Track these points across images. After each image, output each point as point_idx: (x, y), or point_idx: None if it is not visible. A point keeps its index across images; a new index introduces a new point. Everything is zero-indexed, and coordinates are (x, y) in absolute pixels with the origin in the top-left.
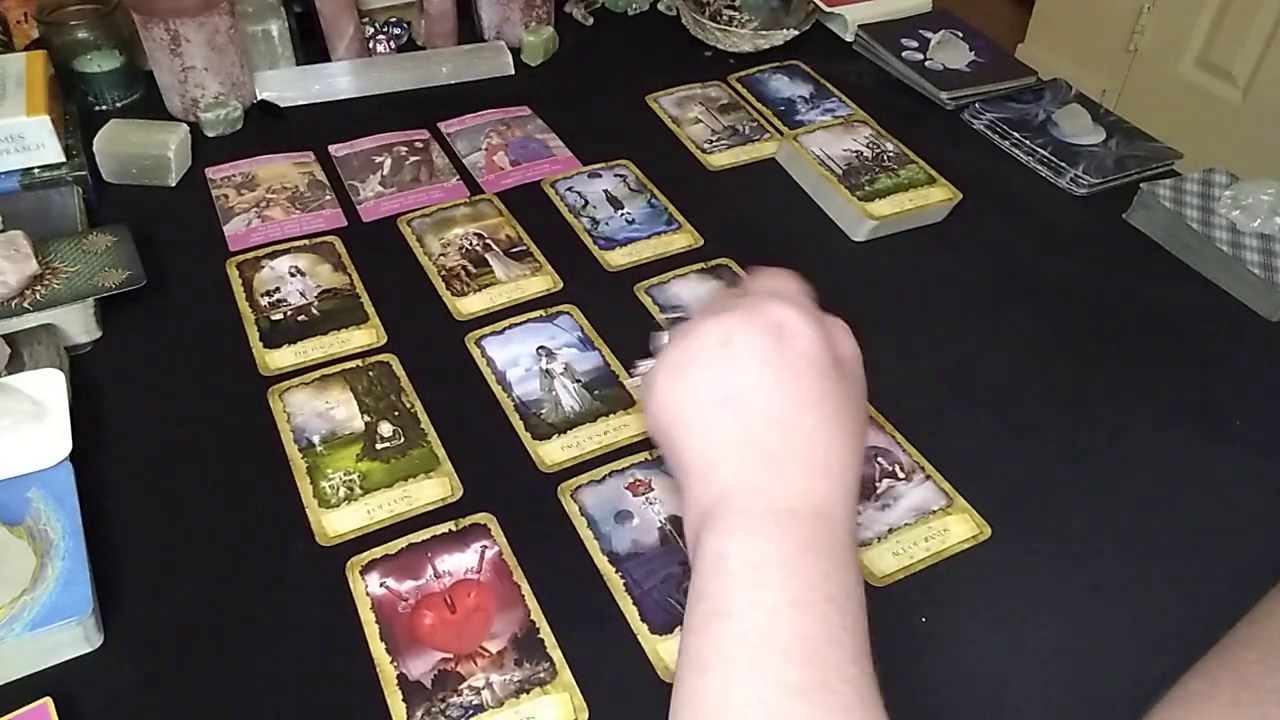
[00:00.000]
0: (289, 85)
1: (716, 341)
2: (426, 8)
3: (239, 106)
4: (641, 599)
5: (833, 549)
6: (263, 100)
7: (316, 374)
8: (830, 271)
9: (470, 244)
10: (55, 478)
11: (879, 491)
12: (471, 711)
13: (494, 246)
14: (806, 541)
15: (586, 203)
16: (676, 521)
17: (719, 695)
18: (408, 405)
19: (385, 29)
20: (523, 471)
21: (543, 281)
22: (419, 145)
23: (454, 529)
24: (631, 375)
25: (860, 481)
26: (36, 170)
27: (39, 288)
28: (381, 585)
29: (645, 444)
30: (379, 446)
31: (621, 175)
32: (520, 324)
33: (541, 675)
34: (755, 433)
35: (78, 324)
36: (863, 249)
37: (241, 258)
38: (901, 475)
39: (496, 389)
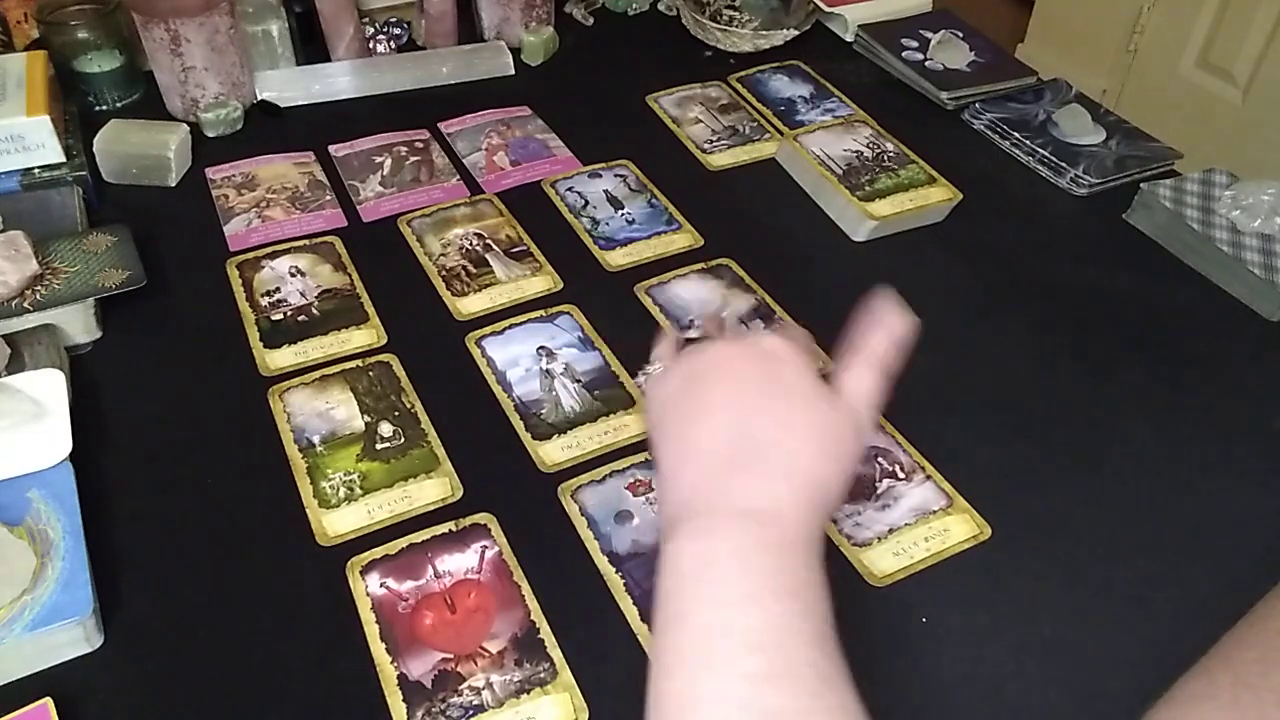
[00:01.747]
0: (289, 85)
1: (715, 363)
2: (426, 8)
3: (239, 106)
4: (641, 599)
5: (788, 548)
6: (263, 100)
7: (316, 374)
8: (830, 271)
9: (470, 244)
10: (55, 478)
11: (879, 491)
12: (472, 711)
13: (494, 246)
14: (758, 540)
15: (586, 203)
16: None
17: (686, 693)
18: (408, 405)
19: (385, 29)
20: (523, 471)
21: (543, 281)
22: (419, 145)
23: (454, 529)
24: (637, 377)
25: (835, 501)
26: (36, 170)
27: (39, 288)
28: (381, 585)
29: (645, 444)
30: (379, 446)
31: (621, 175)
32: (520, 324)
33: (541, 675)
34: (726, 444)
35: (78, 324)
36: (863, 249)
37: (241, 258)
38: (901, 475)
39: (496, 389)
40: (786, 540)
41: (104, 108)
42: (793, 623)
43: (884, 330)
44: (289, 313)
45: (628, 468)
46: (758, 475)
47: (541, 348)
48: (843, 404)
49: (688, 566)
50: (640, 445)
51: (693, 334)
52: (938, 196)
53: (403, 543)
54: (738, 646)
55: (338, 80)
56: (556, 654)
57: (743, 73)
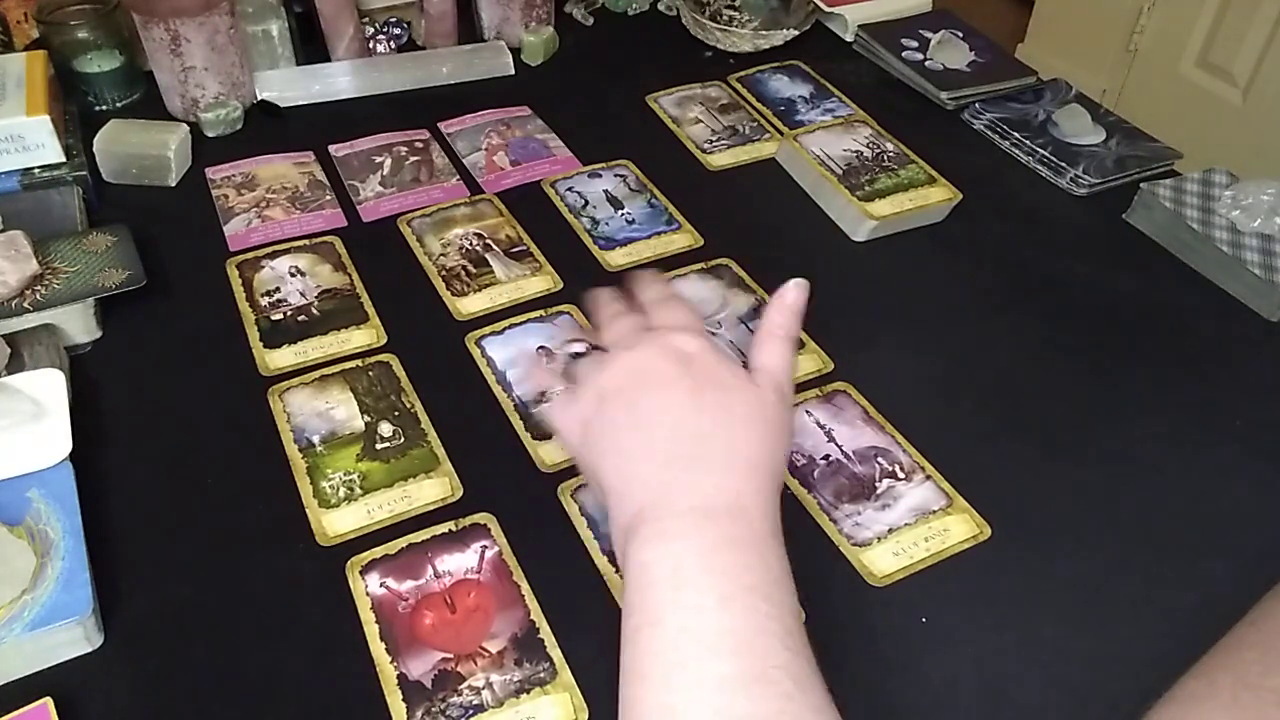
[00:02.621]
0: (289, 85)
1: (631, 373)
2: (426, 8)
3: (239, 106)
4: None
5: (751, 541)
6: (263, 100)
7: (316, 374)
8: (830, 271)
9: (470, 244)
10: (55, 478)
11: (879, 491)
12: (471, 711)
13: (494, 246)
14: (722, 537)
15: (586, 203)
16: None
17: (659, 700)
18: (408, 405)
19: (385, 29)
20: (523, 471)
21: (543, 281)
22: (419, 145)
23: (454, 529)
24: (535, 408)
25: (779, 482)
26: (36, 170)
27: (39, 288)
28: (381, 585)
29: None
30: (379, 446)
31: (621, 175)
32: (520, 324)
33: (541, 675)
34: (665, 445)
35: (78, 324)
36: (863, 249)
37: (241, 258)
38: (901, 475)
39: (496, 389)
40: (753, 534)
41: (104, 108)
42: (763, 623)
43: (780, 303)
44: (289, 313)
45: None
46: (708, 470)
47: (541, 348)
48: (763, 379)
49: (652, 573)
50: None
51: (577, 348)
52: (938, 196)
53: (403, 542)
54: (708, 651)
55: (338, 80)
56: (556, 654)
57: (743, 73)
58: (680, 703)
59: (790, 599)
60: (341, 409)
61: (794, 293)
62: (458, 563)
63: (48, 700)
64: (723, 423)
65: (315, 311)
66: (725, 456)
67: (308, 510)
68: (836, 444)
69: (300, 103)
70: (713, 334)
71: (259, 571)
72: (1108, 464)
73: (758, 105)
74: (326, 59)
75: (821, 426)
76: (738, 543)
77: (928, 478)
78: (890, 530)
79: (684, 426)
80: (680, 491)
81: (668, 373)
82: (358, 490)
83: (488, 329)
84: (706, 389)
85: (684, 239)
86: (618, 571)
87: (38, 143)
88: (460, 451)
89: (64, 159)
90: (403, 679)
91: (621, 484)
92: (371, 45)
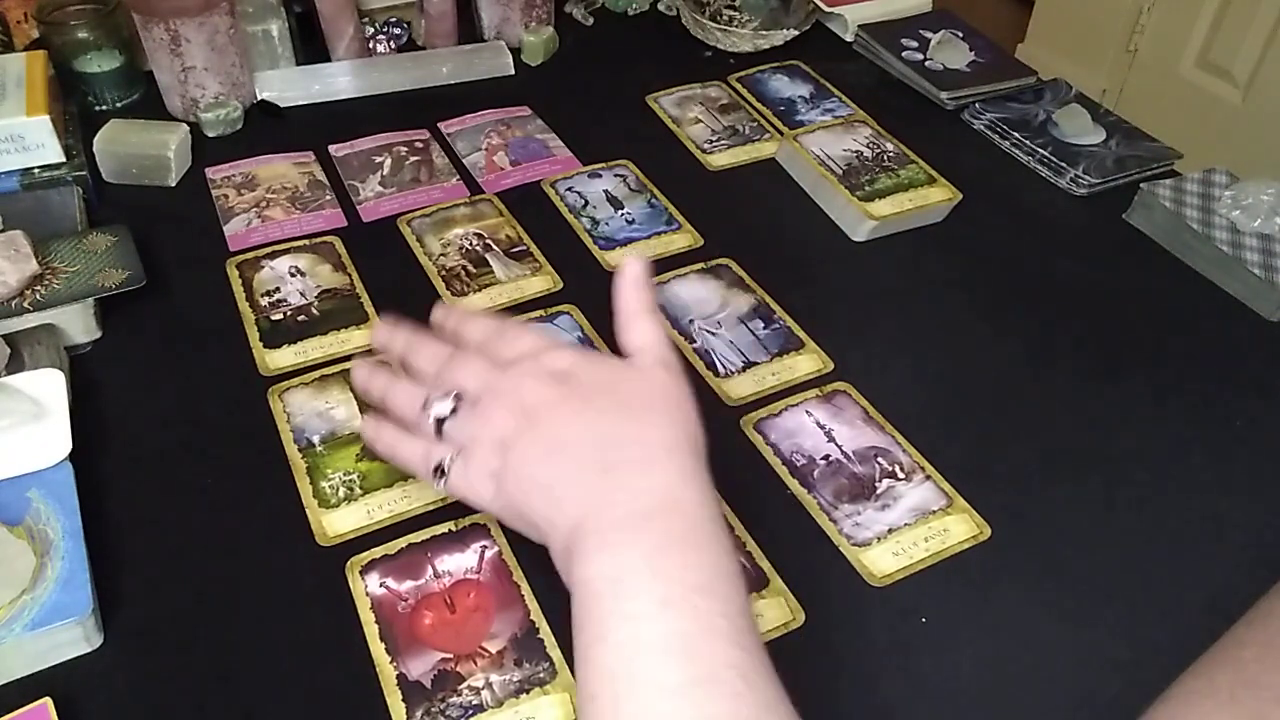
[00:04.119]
0: (289, 85)
1: (515, 412)
2: (426, 8)
3: (239, 106)
4: None
5: (692, 535)
6: (263, 100)
7: (316, 374)
8: (830, 271)
9: (470, 244)
10: (55, 478)
11: (879, 491)
12: (471, 711)
13: (494, 246)
14: (662, 537)
15: (586, 203)
16: None
17: (612, 714)
18: None
19: (385, 29)
20: None
21: (543, 281)
22: (419, 145)
23: (454, 529)
24: (437, 485)
25: (702, 452)
26: (36, 170)
27: (39, 288)
28: (381, 585)
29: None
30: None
31: (621, 175)
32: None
33: (541, 675)
34: (581, 462)
35: (78, 324)
36: (863, 249)
37: (241, 258)
38: (901, 475)
39: None
40: (693, 525)
41: (104, 108)
42: (711, 621)
43: (626, 282)
44: (289, 313)
45: None
46: (630, 471)
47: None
48: (645, 359)
49: (595, 587)
50: None
51: (440, 411)
52: (937, 196)
53: (402, 542)
54: (656, 659)
55: (338, 80)
56: (556, 654)
57: (743, 73)
58: (629, 714)
59: (738, 593)
60: (341, 409)
61: (633, 266)
62: (457, 563)
63: (47, 700)
64: (625, 420)
65: (315, 311)
66: (642, 452)
67: (307, 510)
68: (836, 444)
69: (300, 103)
70: (712, 334)
71: (259, 571)
72: (1107, 464)
73: (758, 105)
74: (326, 59)
75: (821, 426)
76: (680, 540)
77: (928, 478)
78: (890, 530)
79: (591, 438)
80: (611, 500)
81: (552, 396)
82: (357, 490)
83: None
84: (595, 396)
85: (684, 239)
86: None
87: (38, 143)
88: None
89: (64, 159)
90: (402, 679)
91: (553, 511)
92: (371, 45)
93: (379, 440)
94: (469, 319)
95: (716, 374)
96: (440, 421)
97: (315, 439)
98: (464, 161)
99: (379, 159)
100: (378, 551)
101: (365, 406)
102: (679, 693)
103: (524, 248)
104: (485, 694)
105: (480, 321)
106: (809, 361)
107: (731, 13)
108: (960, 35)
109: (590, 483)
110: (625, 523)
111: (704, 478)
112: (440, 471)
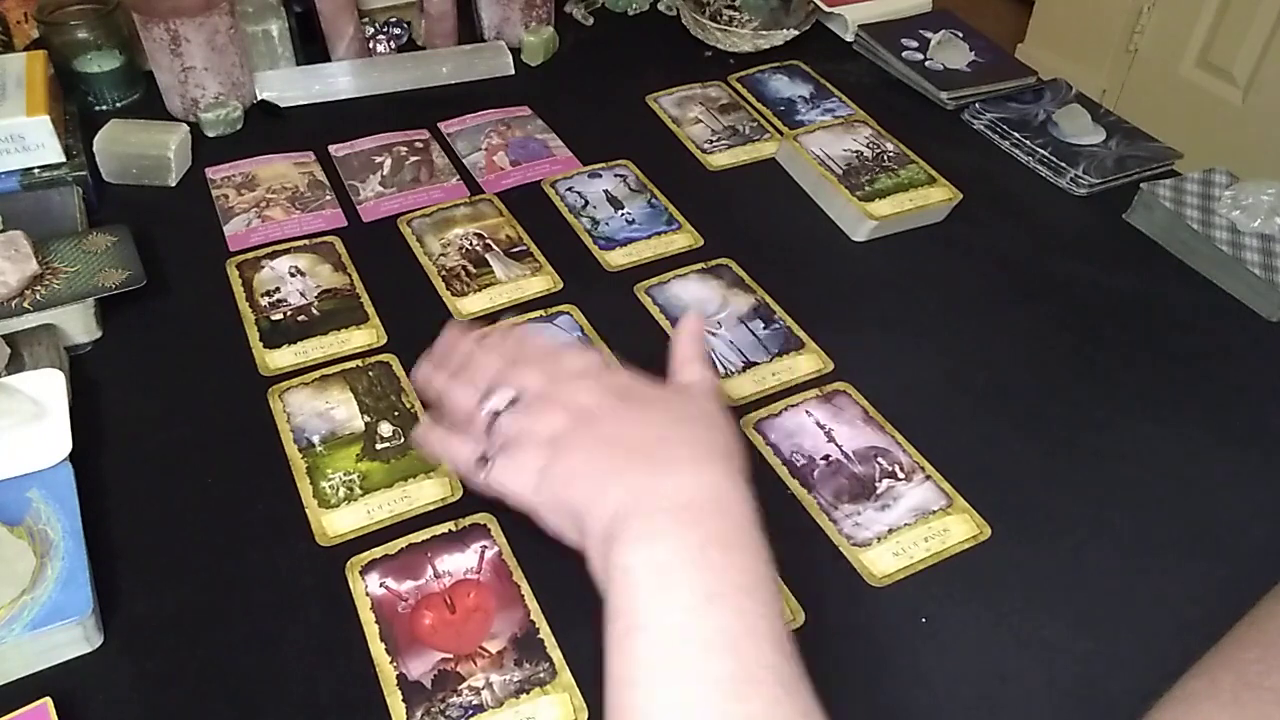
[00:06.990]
0: (289, 85)
1: (571, 414)
2: (426, 8)
3: (239, 106)
4: None
5: (736, 536)
6: (263, 100)
7: (316, 374)
8: (830, 271)
9: (470, 244)
10: (55, 478)
11: (879, 491)
12: (471, 711)
13: (494, 246)
14: (709, 534)
15: (586, 203)
16: None
17: (648, 702)
18: (408, 405)
19: (385, 29)
20: None
21: (543, 281)
22: (419, 145)
23: (454, 529)
24: (481, 475)
25: (745, 467)
26: (36, 170)
27: (39, 288)
28: (381, 585)
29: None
30: (379, 446)
31: (621, 175)
32: (520, 324)
33: (541, 675)
34: (630, 452)
35: (78, 324)
36: (863, 249)
37: (241, 258)
38: (901, 475)
39: None
40: (737, 526)
41: (104, 108)
42: (753, 623)
43: (684, 336)
44: (289, 313)
45: None
46: (681, 466)
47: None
48: (695, 390)
49: (637, 575)
50: None
51: (498, 404)
52: (938, 196)
53: (402, 543)
54: (699, 651)
55: (338, 80)
56: (556, 654)
57: (743, 73)
58: (671, 703)
59: (776, 600)
60: (341, 409)
61: (694, 322)
62: (458, 563)
63: (47, 700)
64: (678, 425)
65: (315, 311)
66: (691, 451)
67: (307, 510)
68: (836, 444)
69: (300, 103)
70: (712, 334)
71: (259, 571)
72: (1107, 464)
73: (758, 105)
74: (326, 59)
75: (821, 426)
76: (724, 539)
77: (928, 478)
78: (890, 530)
79: (642, 436)
80: (660, 490)
81: (608, 402)
82: (357, 490)
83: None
84: (648, 407)
85: (684, 239)
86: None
87: (38, 143)
88: None
89: (64, 159)
90: (402, 679)
91: (597, 496)
92: (371, 45)
93: (429, 437)
94: (529, 340)
95: (717, 374)
96: (495, 414)
97: (315, 439)
98: (464, 161)
99: (379, 159)
100: (378, 551)
101: (365, 406)
102: (721, 685)
103: (524, 248)
104: (485, 694)
105: (541, 342)
106: (809, 361)
107: (731, 13)
108: (960, 35)
109: (640, 471)
110: (673, 514)
111: (746, 487)
112: (485, 461)
